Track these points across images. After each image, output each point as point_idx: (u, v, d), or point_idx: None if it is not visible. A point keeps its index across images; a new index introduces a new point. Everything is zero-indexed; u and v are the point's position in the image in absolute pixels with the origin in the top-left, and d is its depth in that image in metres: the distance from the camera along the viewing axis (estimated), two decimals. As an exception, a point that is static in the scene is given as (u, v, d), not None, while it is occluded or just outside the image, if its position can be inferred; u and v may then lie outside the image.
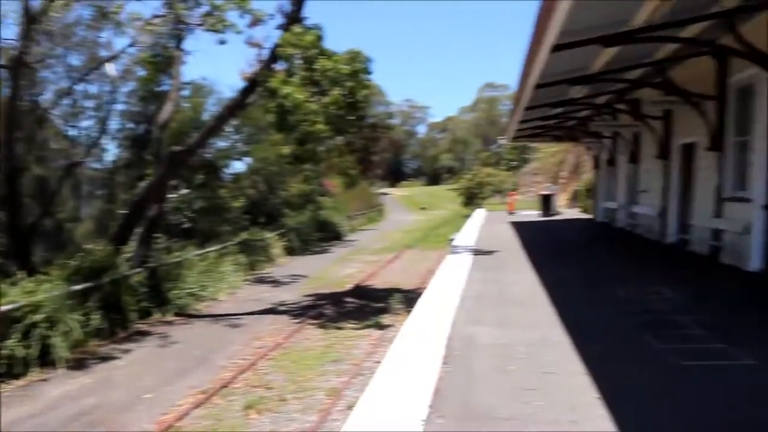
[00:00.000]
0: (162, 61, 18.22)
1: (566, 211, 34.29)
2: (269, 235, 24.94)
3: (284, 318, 14.64)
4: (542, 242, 17.97)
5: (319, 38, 14.00)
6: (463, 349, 6.41)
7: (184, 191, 22.53)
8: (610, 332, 7.08)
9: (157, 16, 16.02)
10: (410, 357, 6.14)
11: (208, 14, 14.72)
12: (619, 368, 5.83)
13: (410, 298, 13.41)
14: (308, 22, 14.38)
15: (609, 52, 11.94)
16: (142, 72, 21.08)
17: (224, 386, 9.75)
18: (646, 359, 6.03)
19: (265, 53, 14.64)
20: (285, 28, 14.22)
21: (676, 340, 6.60)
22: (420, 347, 6.45)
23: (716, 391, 5.18)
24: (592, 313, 8.07)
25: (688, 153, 15.30)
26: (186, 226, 22.35)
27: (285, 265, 23.74)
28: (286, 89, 13.48)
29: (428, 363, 5.90)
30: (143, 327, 13.65)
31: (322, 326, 13.57)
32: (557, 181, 42.14)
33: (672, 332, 6.92)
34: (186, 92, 22.60)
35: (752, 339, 6.64)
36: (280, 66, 14.39)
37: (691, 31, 10.85)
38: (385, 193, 70.07)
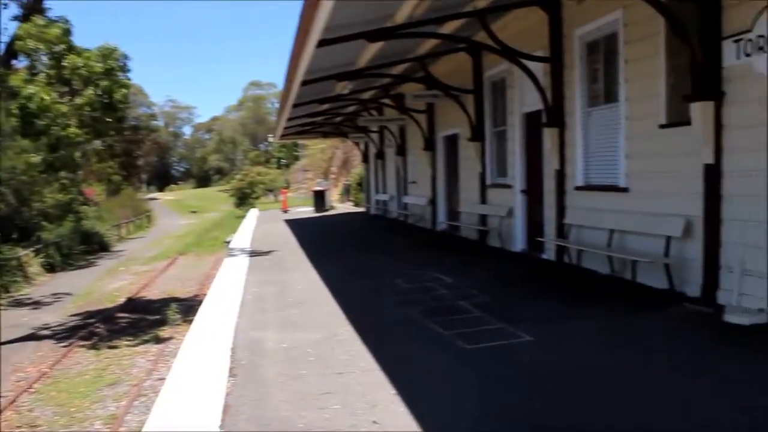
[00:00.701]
0: None
1: (340, 205, 34.81)
2: (23, 252, 22.23)
3: (49, 343, 13.12)
4: (319, 238, 17.85)
5: (67, 32, 12.50)
6: (249, 357, 5.88)
7: None
8: (396, 323, 6.97)
9: None
10: (194, 372, 5.45)
11: None
12: (411, 359, 5.69)
13: (189, 306, 12.55)
14: (53, 14, 12.78)
15: (373, 48, 11.98)
16: None
17: (-27, 438, 8.27)
18: (435, 347, 5.97)
19: (0, 47, 12.77)
20: (24, 19, 12.49)
21: (459, 324, 6.64)
22: (203, 360, 5.77)
23: (503, 371, 5.22)
24: (376, 305, 7.96)
25: (452, 144, 16.02)
26: None
27: (46, 284, 21.45)
28: (30, 89, 11.86)
29: (214, 377, 5.26)
30: None
31: (94, 347, 12.31)
32: (328, 176, 42.72)
33: (454, 317, 6.99)
34: None
35: (526, 315, 6.91)
36: (21, 63, 12.65)
37: (449, 27, 11.21)
38: (153, 198, 66.52)
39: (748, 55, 6.31)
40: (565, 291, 8.21)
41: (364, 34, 10.00)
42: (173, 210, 59.18)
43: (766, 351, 5.42)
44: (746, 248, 6.35)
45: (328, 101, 18.03)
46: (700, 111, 6.69)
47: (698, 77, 6.74)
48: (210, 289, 10.03)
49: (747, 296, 6.30)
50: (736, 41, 6.43)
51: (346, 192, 37.92)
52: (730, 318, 6.07)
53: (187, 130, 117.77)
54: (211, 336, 6.69)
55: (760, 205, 6.22)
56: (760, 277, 6.19)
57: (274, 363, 5.73)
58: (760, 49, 6.16)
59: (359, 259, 12.49)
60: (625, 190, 8.32)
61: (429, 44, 12.86)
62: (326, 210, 29.88)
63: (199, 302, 9.18)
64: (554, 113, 9.89)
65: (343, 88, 16.78)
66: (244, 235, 19.19)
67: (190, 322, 7.79)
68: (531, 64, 9.99)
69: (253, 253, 14.08)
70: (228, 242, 18.52)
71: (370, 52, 12.38)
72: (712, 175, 6.78)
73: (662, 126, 7.58)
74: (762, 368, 5.00)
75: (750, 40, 6.27)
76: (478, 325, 6.62)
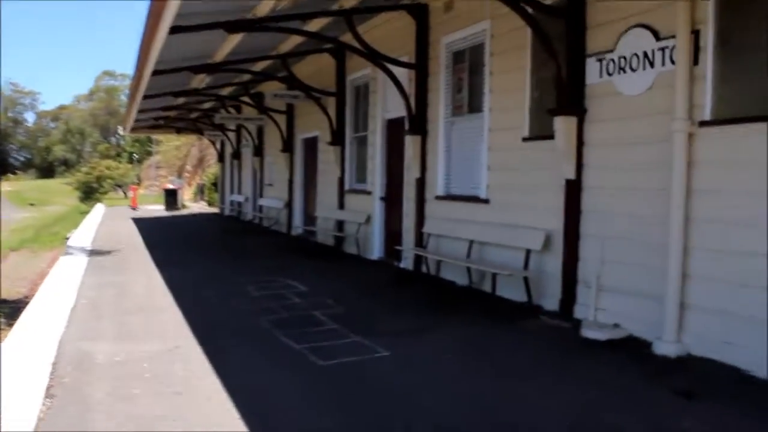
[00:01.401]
0: None
1: (193, 205, 33.23)
2: None
3: None
4: (168, 239, 16.63)
5: None
6: (74, 373, 5.00)
7: None
8: (246, 335, 6.32)
9: None
10: (5, 392, 4.53)
11: None
12: (259, 377, 5.07)
13: (17, 309, 11.09)
14: None
15: (233, 41, 11.22)
16: None
17: None
18: (286, 363, 5.40)
19: None
20: None
21: (312, 337, 6.11)
22: (16, 378, 4.78)
23: (359, 390, 4.74)
24: (223, 315, 7.25)
25: (311, 147, 15.48)
26: None
27: None
28: None
29: (26, 399, 4.33)
30: None
31: None
32: (182, 174, 40.75)
33: (308, 329, 6.44)
34: None
35: (382, 328, 6.51)
36: None
37: (314, 26, 10.69)
38: (-14, 189, 60.65)
39: (610, 74, 6.31)
40: (422, 302, 7.91)
41: (223, 24, 9.24)
42: (10, 202, 54.14)
43: (613, 364, 5.35)
44: (603, 263, 6.33)
45: (184, 95, 16.91)
46: (562, 126, 6.61)
47: (562, 93, 6.67)
48: (39, 290, 8.81)
49: (603, 311, 6.27)
50: (599, 60, 6.41)
51: (200, 192, 36.32)
52: (587, 333, 5.99)
53: (30, 117, 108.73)
54: (31, 347, 5.69)
55: (616, 221, 6.21)
56: (616, 292, 6.18)
57: (102, 380, 4.90)
58: (622, 69, 6.17)
59: (209, 263, 11.61)
60: (486, 201, 8.17)
61: (292, 42, 12.25)
62: (178, 209, 28.35)
63: (27, 305, 8.00)
64: (417, 121, 9.64)
65: (200, 82, 15.78)
66: (86, 233, 17.56)
67: (11, 327, 6.68)
68: (396, 70, 9.68)
69: (94, 253, 12.76)
70: (68, 239, 16.83)
71: (229, 45, 11.59)
72: (573, 190, 6.72)
73: (525, 139, 7.49)
74: (604, 379, 4.95)
75: (612, 60, 6.26)
76: (333, 339, 6.12)
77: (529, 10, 6.60)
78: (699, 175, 5.39)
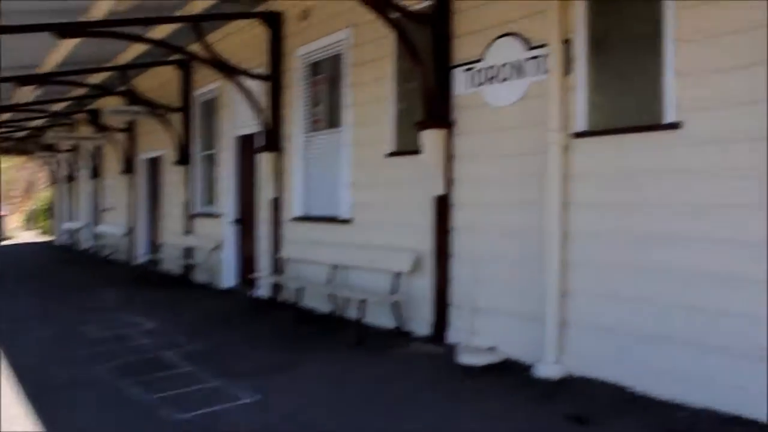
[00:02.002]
0: None
1: (22, 234, 30.08)
2: None
3: None
4: (-11, 272, 14.59)
5: None
6: None
7: None
8: (84, 386, 5.22)
9: None
10: None
11: None
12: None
13: None
14: None
15: (65, 48, 9.96)
16: None
17: None
18: (132, 419, 4.45)
19: None
20: None
21: (165, 384, 5.15)
22: None
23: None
24: (57, 361, 6.06)
25: (155, 167, 14.20)
26: None
27: None
28: None
29: None
30: None
31: None
32: (10, 200, 36.91)
33: (159, 374, 5.47)
34: None
35: (245, 367, 5.69)
36: None
37: (159, 33, 9.67)
38: None
39: (479, 84, 5.97)
40: (284, 334, 7.13)
41: (52, 26, 8.00)
42: None
43: (494, 390, 4.89)
44: (477, 283, 5.91)
45: (7, 110, 15.04)
46: (430, 139, 6.16)
47: (429, 104, 6.22)
48: None
49: (479, 334, 5.83)
50: (468, 70, 6.06)
51: (31, 219, 33.02)
52: (463, 358, 5.51)
53: None
54: None
55: (490, 238, 5.84)
56: (492, 313, 5.78)
57: None
58: (491, 79, 5.84)
59: (39, 300, 10.06)
60: (348, 221, 7.56)
61: (134, 52, 11.10)
62: (4, 239, 25.45)
63: None
64: (272, 137, 8.88)
65: (28, 95, 14.04)
66: None
67: None
68: (249, 83, 8.89)
69: None
70: None
71: (61, 52, 10.32)
72: (442, 207, 6.28)
73: (391, 154, 6.98)
74: (488, 408, 4.46)
75: (481, 69, 5.93)
76: (188, 384, 5.17)
77: (395, 15, 6.13)
78: (575, 188, 5.12)
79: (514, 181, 5.63)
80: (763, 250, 3.95)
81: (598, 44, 5.05)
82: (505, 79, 5.71)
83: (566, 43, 5.17)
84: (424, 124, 6.19)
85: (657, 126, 4.61)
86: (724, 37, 4.21)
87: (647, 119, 4.70)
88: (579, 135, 5.10)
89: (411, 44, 6.05)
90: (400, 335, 6.59)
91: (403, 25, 6.14)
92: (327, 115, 8.17)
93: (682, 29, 4.43)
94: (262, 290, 9.31)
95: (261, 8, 8.99)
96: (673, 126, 4.50)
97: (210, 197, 11.50)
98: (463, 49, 6.11)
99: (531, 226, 5.40)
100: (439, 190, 6.24)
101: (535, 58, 5.45)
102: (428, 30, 6.30)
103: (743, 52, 4.10)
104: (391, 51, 6.89)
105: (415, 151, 6.45)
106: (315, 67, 8.39)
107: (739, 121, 4.16)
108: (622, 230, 4.80)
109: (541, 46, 5.35)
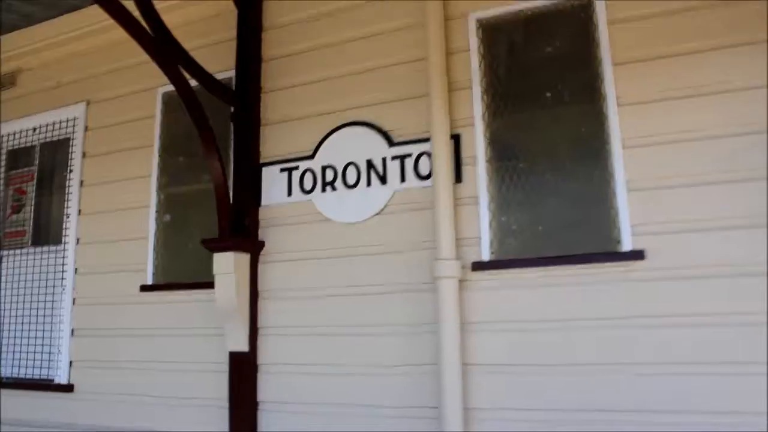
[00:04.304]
0: None
1: None
2: None
3: None
4: None
5: None
6: None
7: None
8: None
9: None
10: None
11: None
12: None
13: None
14: None
15: None
16: None
17: None
18: None
19: None
20: None
21: None
22: None
23: None
24: None
25: None
26: None
27: None
28: None
29: None
30: None
31: None
32: None
33: None
34: None
35: None
36: None
37: None
38: None
39: (307, 191, 3.98)
40: None
41: None
42: None
43: None
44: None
45: None
46: (225, 266, 3.86)
47: (225, 217, 3.97)
48: None
49: None
50: (287, 170, 4.04)
51: None
52: None
53: None
54: None
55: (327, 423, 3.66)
56: None
57: None
58: (329, 185, 3.92)
59: None
60: (68, 389, 4.53)
61: None
62: None
63: None
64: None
65: None
66: None
67: None
68: None
69: None
70: None
71: None
72: (244, 370, 3.89)
73: (148, 288, 4.38)
74: None
75: (311, 171, 3.98)
76: None
77: (190, 80, 3.86)
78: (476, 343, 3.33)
79: (384, 330, 3.61)
80: None
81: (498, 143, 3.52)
82: (352, 186, 3.82)
83: (454, 139, 3.55)
84: (219, 244, 3.91)
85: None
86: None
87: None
88: (480, 266, 3.39)
89: (205, 126, 3.83)
90: None
91: (188, 97, 3.91)
92: (34, 226, 5.17)
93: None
94: None
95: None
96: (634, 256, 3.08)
97: None
98: (279, 139, 4.11)
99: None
100: (239, 344, 3.91)
101: (402, 157, 3.70)
102: (227, 110, 4.19)
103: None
104: (154, 134, 4.54)
105: (196, 285, 4.10)
106: (17, 158, 5.44)
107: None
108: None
109: (415, 141, 3.65)
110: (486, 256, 3.39)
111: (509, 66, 3.55)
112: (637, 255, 3.08)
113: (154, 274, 4.36)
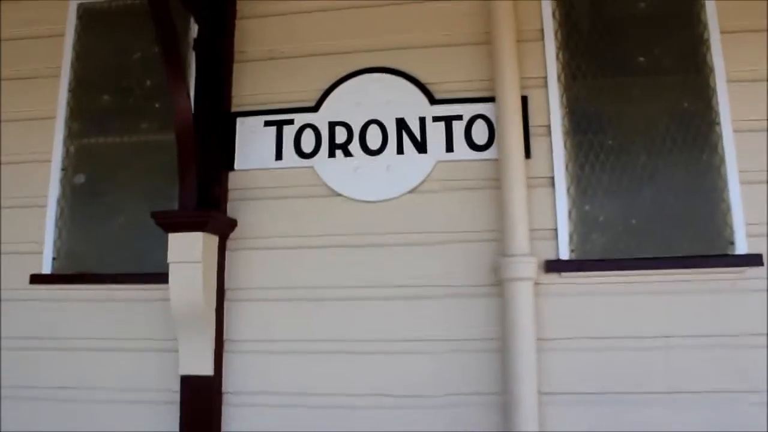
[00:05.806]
0: None
1: None
2: None
3: None
4: None
5: None
6: None
7: None
8: None
9: None
10: None
11: None
12: None
13: None
14: None
15: None
16: None
17: None
18: None
19: None
20: None
21: None
22: None
23: None
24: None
25: None
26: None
27: None
28: None
29: None
30: None
31: None
32: None
33: None
34: None
35: None
36: None
37: None
38: None
39: (306, 155, 2.88)
40: None
41: None
42: None
43: None
44: None
45: None
46: (187, 253, 2.64)
47: (188, 185, 2.73)
48: None
49: None
50: (277, 125, 2.90)
51: None
52: None
53: None
54: None
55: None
56: None
57: None
58: (340, 147, 2.86)
59: None
60: None
61: None
62: None
63: None
64: None
65: None
66: None
67: None
68: None
69: None
70: None
71: None
72: (203, 401, 2.68)
73: (40, 279, 2.97)
74: None
75: (314, 127, 2.88)
76: None
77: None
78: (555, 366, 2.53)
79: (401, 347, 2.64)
80: None
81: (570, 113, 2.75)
82: (374, 152, 2.80)
83: (523, 100, 2.70)
84: (176, 221, 2.66)
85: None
86: None
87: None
88: (556, 266, 2.59)
89: (171, 41, 2.56)
90: None
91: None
92: None
93: None
94: None
95: None
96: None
97: None
98: (264, 82, 2.94)
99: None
100: (202, 367, 2.69)
101: (449, 119, 2.77)
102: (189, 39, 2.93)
103: None
104: (65, 62, 3.10)
105: (122, 277, 2.80)
106: None
107: None
108: None
109: (464, 101, 2.75)
110: (564, 254, 2.59)
111: (593, 19, 2.79)
112: (754, 260, 2.49)
113: (54, 259, 2.93)
